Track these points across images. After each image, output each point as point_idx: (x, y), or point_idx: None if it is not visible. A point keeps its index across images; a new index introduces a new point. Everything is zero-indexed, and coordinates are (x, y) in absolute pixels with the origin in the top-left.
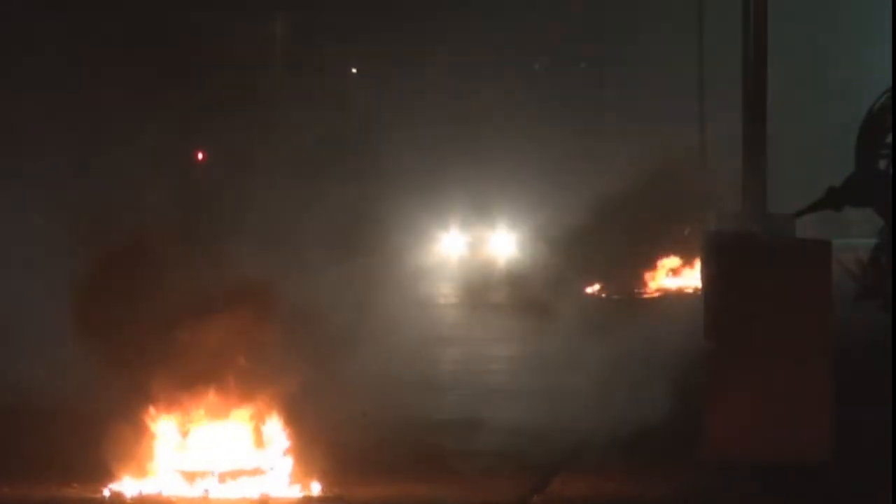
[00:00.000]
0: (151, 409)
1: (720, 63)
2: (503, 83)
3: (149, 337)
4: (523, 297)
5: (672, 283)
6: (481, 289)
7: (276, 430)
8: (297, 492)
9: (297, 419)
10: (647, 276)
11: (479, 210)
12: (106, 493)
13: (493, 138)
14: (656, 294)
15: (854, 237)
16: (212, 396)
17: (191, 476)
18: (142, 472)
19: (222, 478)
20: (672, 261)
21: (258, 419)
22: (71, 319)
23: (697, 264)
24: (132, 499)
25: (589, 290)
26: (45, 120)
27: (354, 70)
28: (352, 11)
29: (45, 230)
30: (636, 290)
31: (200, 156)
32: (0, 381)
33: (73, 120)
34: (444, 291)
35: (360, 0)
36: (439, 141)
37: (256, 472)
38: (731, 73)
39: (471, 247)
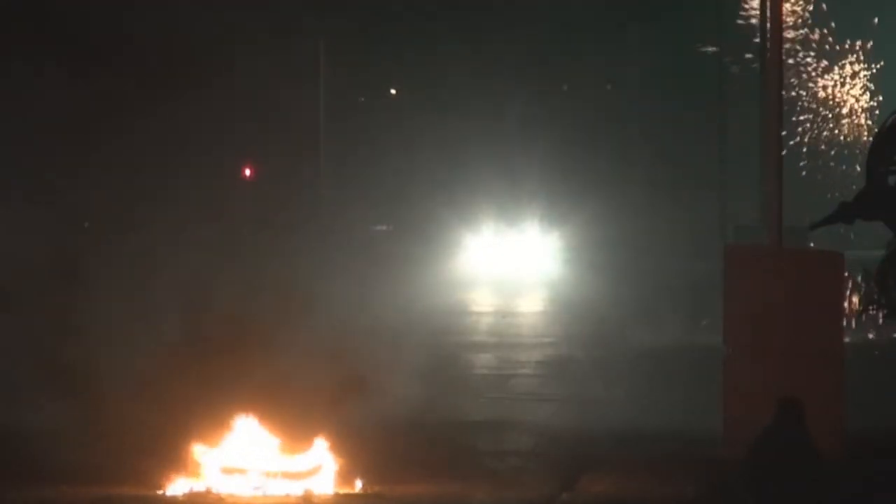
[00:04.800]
0: (204, 414)
1: (740, 78)
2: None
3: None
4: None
5: None
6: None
7: (319, 431)
8: (339, 489)
9: (337, 421)
10: None
11: (509, 217)
12: (159, 490)
13: (525, 152)
14: None
15: (864, 249)
16: (259, 401)
17: (239, 475)
18: (193, 472)
19: (268, 476)
20: None
21: (302, 421)
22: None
23: None
24: (184, 496)
25: None
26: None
27: (393, 91)
28: (386, 33)
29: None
30: None
31: (248, 171)
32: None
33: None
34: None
35: (394, 22)
36: (472, 155)
37: (301, 471)
38: (750, 90)
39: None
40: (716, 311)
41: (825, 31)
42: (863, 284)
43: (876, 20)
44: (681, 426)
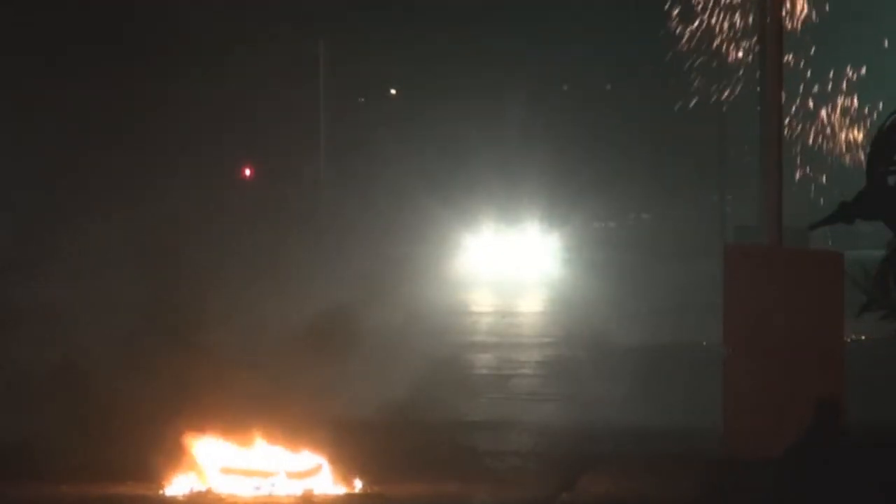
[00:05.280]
0: (203, 413)
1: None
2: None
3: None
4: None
5: None
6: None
7: (319, 431)
8: (339, 489)
9: (338, 421)
10: None
11: (510, 217)
12: (159, 490)
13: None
14: None
15: (864, 249)
16: (258, 400)
17: (238, 475)
18: (193, 472)
19: (268, 476)
20: None
21: (302, 421)
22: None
23: None
24: (184, 496)
25: None
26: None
27: (393, 91)
28: (386, 32)
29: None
30: None
31: (248, 171)
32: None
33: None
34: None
35: (395, 22)
36: (471, 154)
37: (301, 471)
38: (750, 90)
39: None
40: (715, 311)
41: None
42: (863, 284)
43: (886, 43)
44: (681, 426)
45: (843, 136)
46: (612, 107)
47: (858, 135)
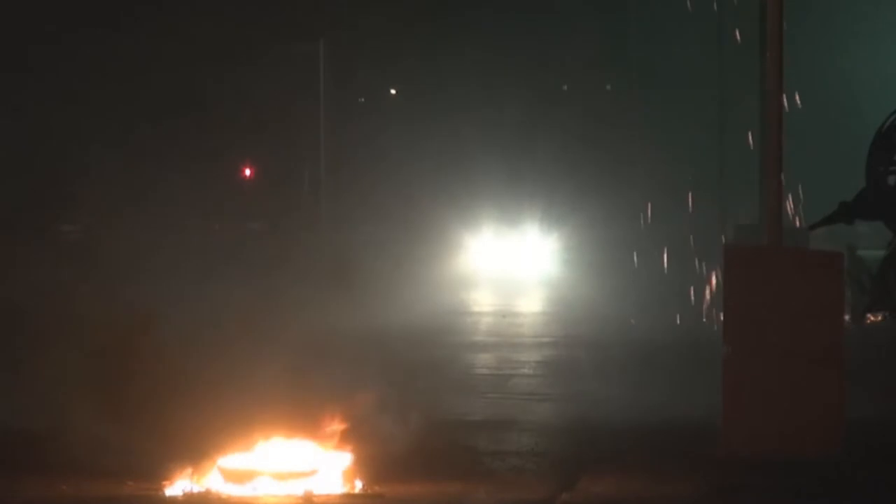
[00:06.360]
0: (201, 413)
1: (741, 78)
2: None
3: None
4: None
5: None
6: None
7: (319, 431)
8: (340, 489)
9: (337, 421)
10: None
11: (510, 217)
12: (157, 490)
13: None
14: None
15: (864, 249)
16: (257, 400)
17: (238, 475)
18: (191, 472)
19: (268, 476)
20: None
21: (301, 421)
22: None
23: None
24: (184, 495)
25: None
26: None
27: (393, 91)
28: (387, 33)
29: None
30: None
31: (248, 171)
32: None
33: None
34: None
35: (395, 23)
36: (471, 155)
37: (301, 471)
38: (751, 88)
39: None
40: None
41: None
42: (866, 284)
43: None
44: (681, 425)
45: None
46: (612, 106)
47: None
